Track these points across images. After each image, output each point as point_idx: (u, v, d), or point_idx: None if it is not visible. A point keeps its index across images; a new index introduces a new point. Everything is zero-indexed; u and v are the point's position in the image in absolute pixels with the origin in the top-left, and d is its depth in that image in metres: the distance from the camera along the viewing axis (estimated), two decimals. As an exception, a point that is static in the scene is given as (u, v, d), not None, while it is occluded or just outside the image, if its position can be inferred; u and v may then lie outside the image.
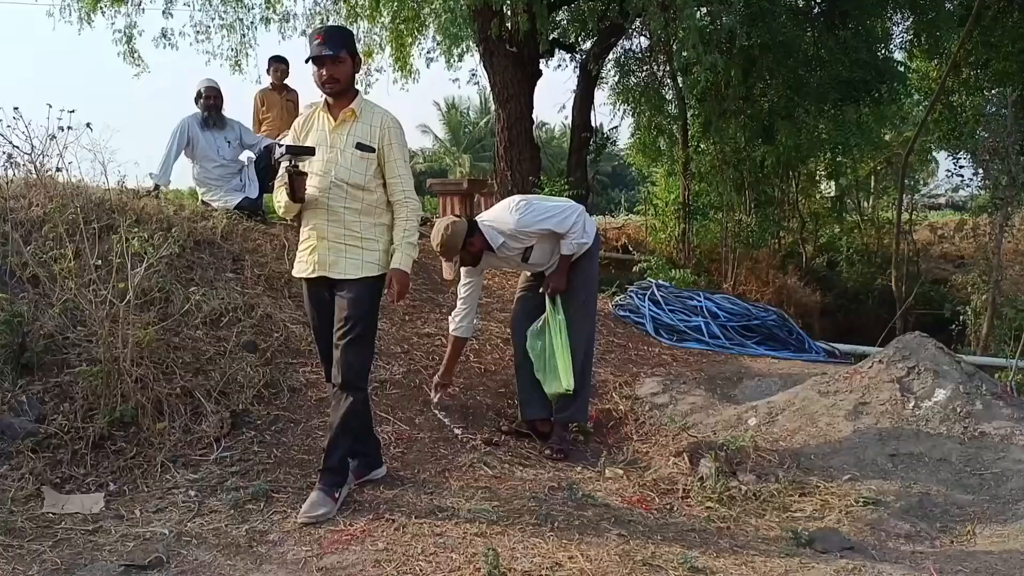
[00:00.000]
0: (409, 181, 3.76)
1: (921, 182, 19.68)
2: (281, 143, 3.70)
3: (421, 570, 3.01)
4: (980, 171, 9.59)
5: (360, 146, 3.65)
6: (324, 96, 3.72)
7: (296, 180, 3.59)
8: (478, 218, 4.68)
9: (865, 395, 4.68)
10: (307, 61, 3.63)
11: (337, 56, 3.58)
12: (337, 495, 3.59)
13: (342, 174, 3.64)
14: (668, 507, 3.79)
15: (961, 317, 7.97)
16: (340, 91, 3.66)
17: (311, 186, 3.64)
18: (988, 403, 4.50)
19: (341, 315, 3.63)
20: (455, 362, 4.92)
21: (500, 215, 4.64)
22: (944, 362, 4.74)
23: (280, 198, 3.78)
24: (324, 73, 3.59)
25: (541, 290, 4.69)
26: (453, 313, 4.82)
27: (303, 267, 3.78)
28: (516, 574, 2.94)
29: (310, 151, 3.61)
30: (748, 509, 3.77)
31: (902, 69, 12.35)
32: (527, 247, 4.60)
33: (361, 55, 4.24)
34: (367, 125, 3.68)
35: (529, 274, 4.97)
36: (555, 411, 4.66)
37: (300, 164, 3.60)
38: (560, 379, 4.42)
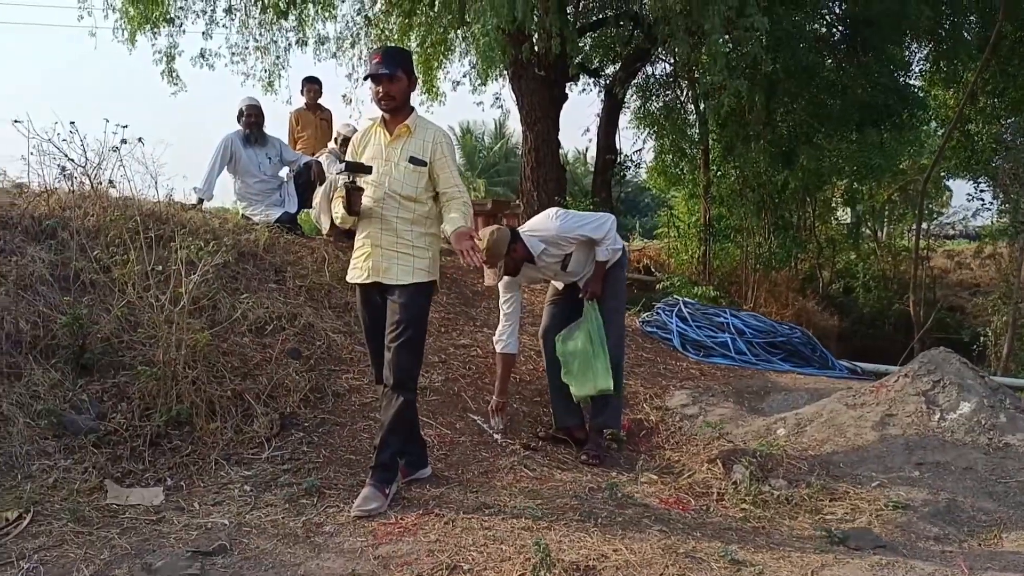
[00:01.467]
0: (463, 186, 3.96)
1: (936, 211, 19.77)
2: (341, 159, 3.89)
3: (473, 559, 3.16)
4: (1000, 196, 9.73)
5: (413, 160, 3.85)
6: (381, 113, 3.93)
7: (353, 195, 3.82)
8: (519, 228, 4.86)
9: (891, 407, 4.81)
10: (365, 79, 3.85)
11: (394, 75, 3.79)
12: (388, 491, 3.75)
13: (395, 186, 3.84)
14: (704, 508, 3.94)
15: (982, 339, 8.08)
16: (395, 108, 3.87)
17: (367, 197, 3.85)
18: (1012, 416, 4.63)
19: (393, 319, 3.82)
20: (508, 380, 5.04)
21: (541, 223, 4.83)
22: (968, 376, 4.88)
23: (336, 210, 3.98)
24: (380, 91, 3.81)
25: (581, 295, 4.85)
26: (498, 331, 4.94)
27: (357, 273, 3.97)
28: (564, 564, 3.08)
29: (367, 169, 3.83)
30: (781, 511, 3.90)
31: (922, 95, 12.51)
32: (566, 254, 4.78)
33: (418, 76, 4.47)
34: (420, 140, 3.88)
35: (560, 287, 5.13)
36: (591, 417, 4.82)
37: (357, 180, 3.82)
38: (599, 378, 4.59)
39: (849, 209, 19.48)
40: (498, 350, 4.94)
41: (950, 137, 12.54)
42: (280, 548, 3.31)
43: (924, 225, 16.88)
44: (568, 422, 4.95)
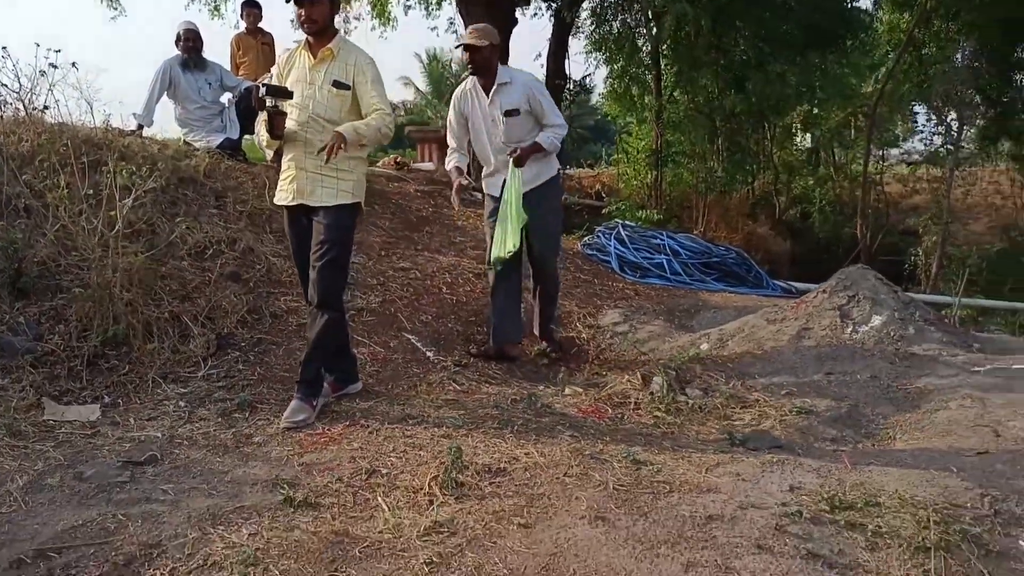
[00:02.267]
0: (386, 104, 3.97)
1: (902, 137, 19.91)
2: (262, 84, 3.92)
3: (392, 464, 3.35)
4: (933, 118, 9.92)
5: (336, 83, 3.91)
6: (306, 36, 3.96)
7: (276, 119, 3.86)
8: None
9: (809, 322, 5.04)
10: (287, 1, 3.87)
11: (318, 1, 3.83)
12: (314, 403, 3.92)
13: (319, 109, 3.91)
14: (619, 416, 4.15)
15: (912, 259, 8.34)
16: (318, 31, 3.91)
17: (291, 120, 3.91)
18: (920, 328, 4.88)
19: (318, 239, 3.92)
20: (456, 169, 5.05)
21: (523, 71, 5.13)
22: (882, 291, 5.11)
23: (261, 134, 4.04)
24: (303, 14, 3.84)
25: (508, 153, 4.87)
26: (448, 160, 5.10)
27: (283, 195, 4.06)
28: (477, 467, 3.27)
29: (288, 94, 3.87)
30: (692, 419, 4.12)
31: (868, 20, 12.56)
32: (516, 109, 4.85)
33: None
34: (343, 64, 3.93)
35: (496, 193, 5.16)
36: (539, 327, 5.27)
37: (280, 104, 3.86)
38: (508, 240, 4.75)
39: (809, 135, 19.61)
40: (451, 167, 5.02)
41: (901, 60, 12.65)
42: (209, 458, 3.47)
43: (881, 150, 17.11)
44: (505, 339, 5.13)
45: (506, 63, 5.42)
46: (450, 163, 5.04)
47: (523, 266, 5.13)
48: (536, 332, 5.35)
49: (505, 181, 4.84)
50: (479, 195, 5.44)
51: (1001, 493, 3.01)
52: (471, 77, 4.99)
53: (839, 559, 2.51)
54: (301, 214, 4.02)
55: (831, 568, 2.46)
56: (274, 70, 4.16)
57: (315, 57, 3.94)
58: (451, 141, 5.10)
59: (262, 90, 3.83)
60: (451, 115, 5.08)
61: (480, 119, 4.96)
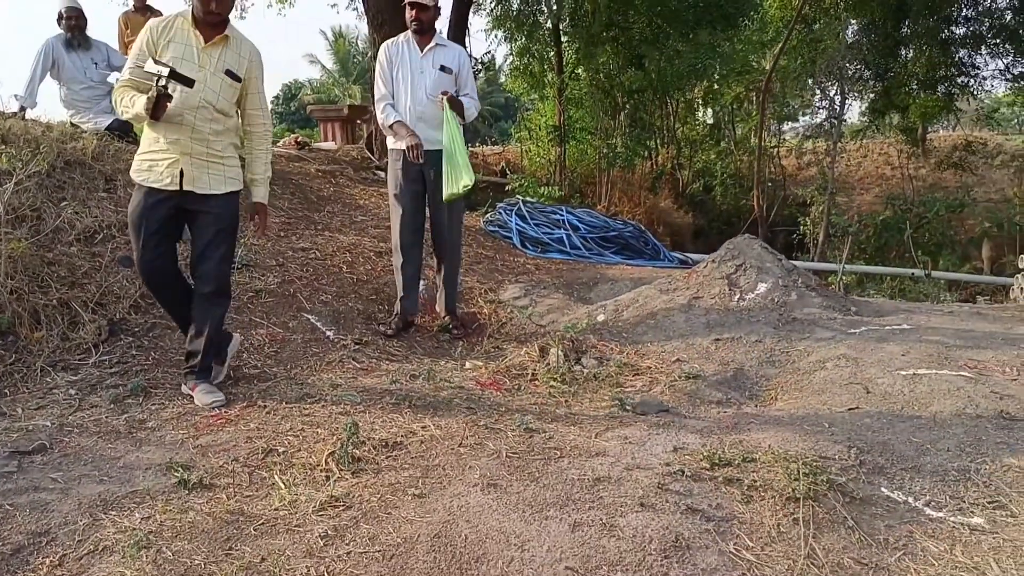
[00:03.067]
0: (267, 111, 4.00)
1: (801, 112, 20.56)
2: (161, 62, 3.61)
3: (289, 443, 3.36)
4: (817, 92, 10.31)
5: (230, 73, 3.81)
6: (192, 10, 3.78)
7: (163, 100, 3.64)
8: None
9: (699, 291, 5.24)
10: None
11: None
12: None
13: (210, 97, 3.78)
14: (516, 388, 4.25)
15: (801, 228, 8.71)
16: (221, 22, 3.77)
17: (177, 102, 3.71)
18: (802, 294, 5.13)
19: (209, 229, 3.85)
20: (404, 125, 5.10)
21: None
22: (768, 260, 5.34)
23: (135, 108, 3.72)
24: (214, 9, 3.70)
25: (439, 96, 5.03)
26: (381, 116, 5.19)
27: (157, 178, 3.80)
28: (374, 442, 3.32)
29: (190, 82, 3.64)
30: (586, 387, 4.26)
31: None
32: (450, 68, 5.13)
33: None
34: (236, 54, 3.83)
35: (402, 183, 5.19)
36: (442, 302, 5.39)
37: (170, 86, 3.63)
38: (463, 175, 4.83)
39: (710, 110, 20.12)
40: (390, 122, 5.10)
41: (791, 37, 13.08)
42: (101, 444, 3.42)
43: (776, 124, 17.69)
44: (413, 309, 5.26)
45: None
46: (390, 118, 5.10)
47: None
48: (439, 308, 5.43)
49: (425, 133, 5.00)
50: (382, 173, 5.47)
51: (867, 445, 3.23)
52: (407, 32, 5.14)
53: (716, 512, 2.66)
54: (173, 200, 3.82)
55: (709, 521, 2.60)
56: (144, 35, 3.80)
57: (205, 39, 3.78)
58: (381, 87, 5.20)
59: (161, 70, 3.55)
60: (381, 59, 5.21)
61: (409, 69, 5.11)
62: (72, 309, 4.57)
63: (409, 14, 5.04)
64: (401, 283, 5.20)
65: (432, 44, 5.12)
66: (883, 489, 2.90)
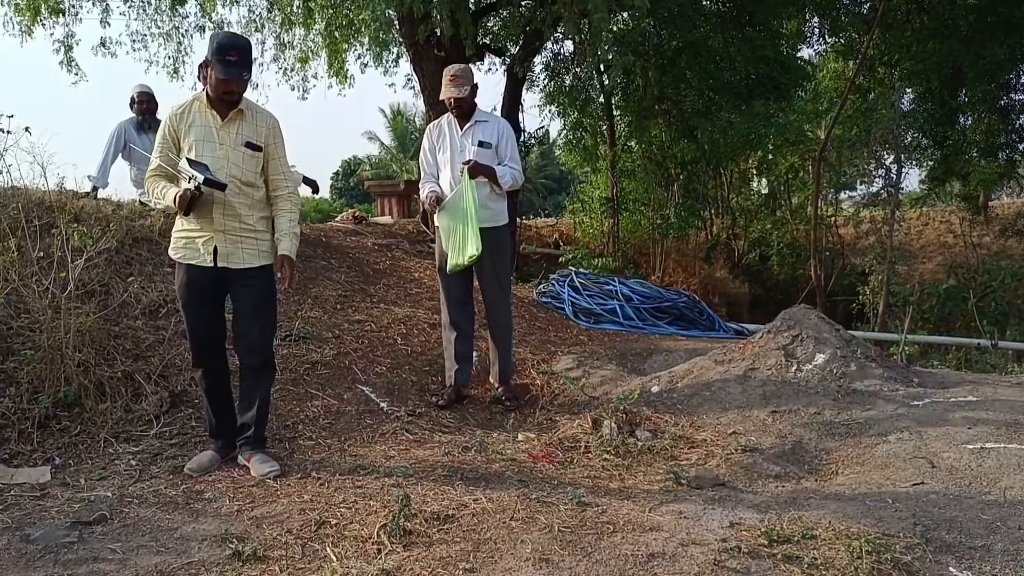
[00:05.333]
0: (290, 175, 4.11)
1: (859, 181, 20.41)
2: (197, 170, 3.75)
3: (341, 515, 3.38)
4: (872, 162, 10.24)
5: (249, 144, 3.92)
6: (205, 94, 3.92)
7: (196, 201, 3.79)
8: None
9: (755, 362, 5.17)
10: (219, 72, 3.75)
11: (248, 78, 3.90)
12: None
13: (235, 172, 3.88)
14: (569, 460, 4.22)
15: (860, 298, 8.56)
16: (237, 101, 3.91)
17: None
18: (862, 365, 5.03)
19: (249, 301, 3.98)
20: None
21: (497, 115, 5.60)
22: (825, 330, 5.26)
23: (166, 200, 3.90)
24: (234, 90, 3.84)
25: (461, 164, 5.11)
26: (423, 191, 5.33)
27: (194, 255, 3.93)
28: (425, 515, 3.32)
29: (222, 186, 3.78)
30: (640, 460, 4.20)
31: (809, 68, 13.01)
32: (489, 142, 5.19)
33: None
34: (253, 125, 3.95)
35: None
36: (498, 373, 5.39)
37: (203, 189, 3.76)
38: (469, 246, 4.88)
39: (764, 180, 20.08)
40: (424, 195, 5.25)
41: (843, 106, 13.07)
42: (159, 515, 3.47)
43: (832, 194, 17.56)
44: (464, 380, 5.30)
45: None
46: (424, 189, 5.27)
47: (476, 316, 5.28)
48: (492, 379, 5.45)
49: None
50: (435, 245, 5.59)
51: (933, 522, 3.13)
52: (449, 112, 5.27)
53: (774, 591, 2.59)
54: (211, 276, 3.95)
55: (766, 600, 2.54)
56: (165, 124, 3.96)
57: (222, 117, 3.89)
58: (424, 169, 5.38)
59: (197, 178, 3.71)
60: (424, 144, 5.38)
61: (450, 148, 5.22)
62: (136, 381, 4.69)
63: (450, 102, 5.17)
64: (452, 355, 5.25)
65: (472, 122, 5.21)
66: (951, 568, 2.80)
